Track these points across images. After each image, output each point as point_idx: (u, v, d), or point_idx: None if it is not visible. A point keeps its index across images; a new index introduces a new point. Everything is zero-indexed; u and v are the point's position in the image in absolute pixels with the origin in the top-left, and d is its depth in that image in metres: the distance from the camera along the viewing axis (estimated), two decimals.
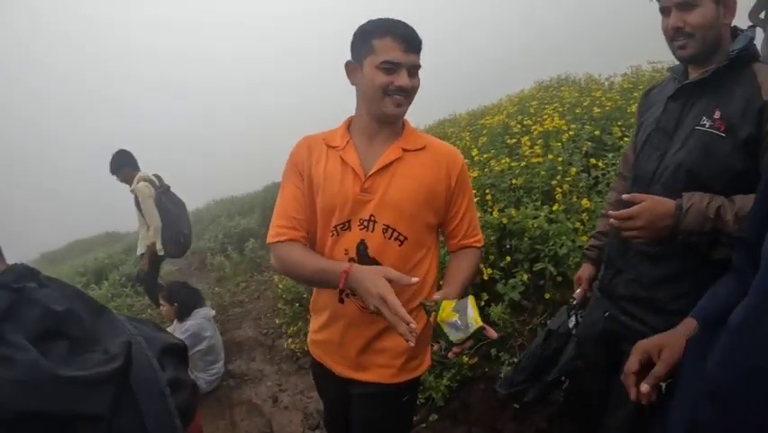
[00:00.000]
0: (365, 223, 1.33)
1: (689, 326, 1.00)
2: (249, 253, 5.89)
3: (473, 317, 1.13)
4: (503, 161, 3.26)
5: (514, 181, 3.09)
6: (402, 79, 1.26)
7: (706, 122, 1.26)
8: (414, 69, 1.30)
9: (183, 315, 3.41)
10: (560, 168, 2.93)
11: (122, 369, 0.57)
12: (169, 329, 3.60)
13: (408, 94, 1.31)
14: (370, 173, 1.33)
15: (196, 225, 8.46)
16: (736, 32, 1.32)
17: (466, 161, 3.82)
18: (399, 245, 1.34)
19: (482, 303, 2.63)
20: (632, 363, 0.97)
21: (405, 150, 1.35)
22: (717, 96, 1.27)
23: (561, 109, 4.10)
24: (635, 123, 1.62)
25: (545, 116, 3.86)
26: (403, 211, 1.32)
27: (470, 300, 1.17)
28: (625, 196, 1.29)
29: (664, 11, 1.30)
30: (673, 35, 1.29)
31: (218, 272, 5.85)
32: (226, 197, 9.09)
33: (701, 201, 1.20)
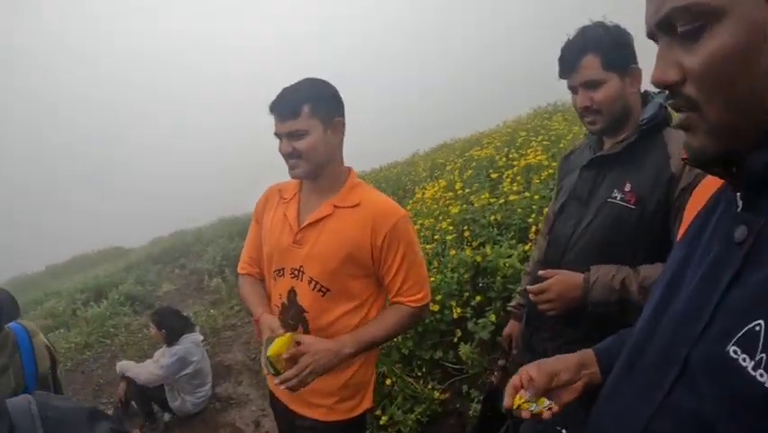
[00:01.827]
0: (295, 272, 1.45)
1: (585, 354, 0.95)
2: None
3: (268, 348, 1.27)
4: (483, 196, 3.34)
5: (492, 218, 3.16)
6: (281, 147, 1.40)
7: (617, 194, 1.29)
8: (293, 135, 1.36)
9: (172, 340, 3.52)
10: (535, 206, 2.99)
11: None
12: (158, 352, 3.72)
13: (297, 157, 1.38)
14: (302, 227, 1.44)
15: (196, 244, 8.55)
16: (647, 96, 1.35)
17: (450, 193, 3.93)
18: (322, 296, 1.42)
19: (455, 340, 2.70)
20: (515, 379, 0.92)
21: (336, 207, 1.43)
22: (628, 168, 1.30)
23: (546, 142, 4.18)
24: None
25: (530, 150, 3.94)
26: (326, 265, 1.41)
27: (283, 336, 1.29)
28: (540, 272, 1.37)
29: (572, 90, 1.35)
30: (582, 112, 1.34)
31: (214, 294, 5.95)
32: (229, 216, 9.21)
33: (607, 274, 1.25)
